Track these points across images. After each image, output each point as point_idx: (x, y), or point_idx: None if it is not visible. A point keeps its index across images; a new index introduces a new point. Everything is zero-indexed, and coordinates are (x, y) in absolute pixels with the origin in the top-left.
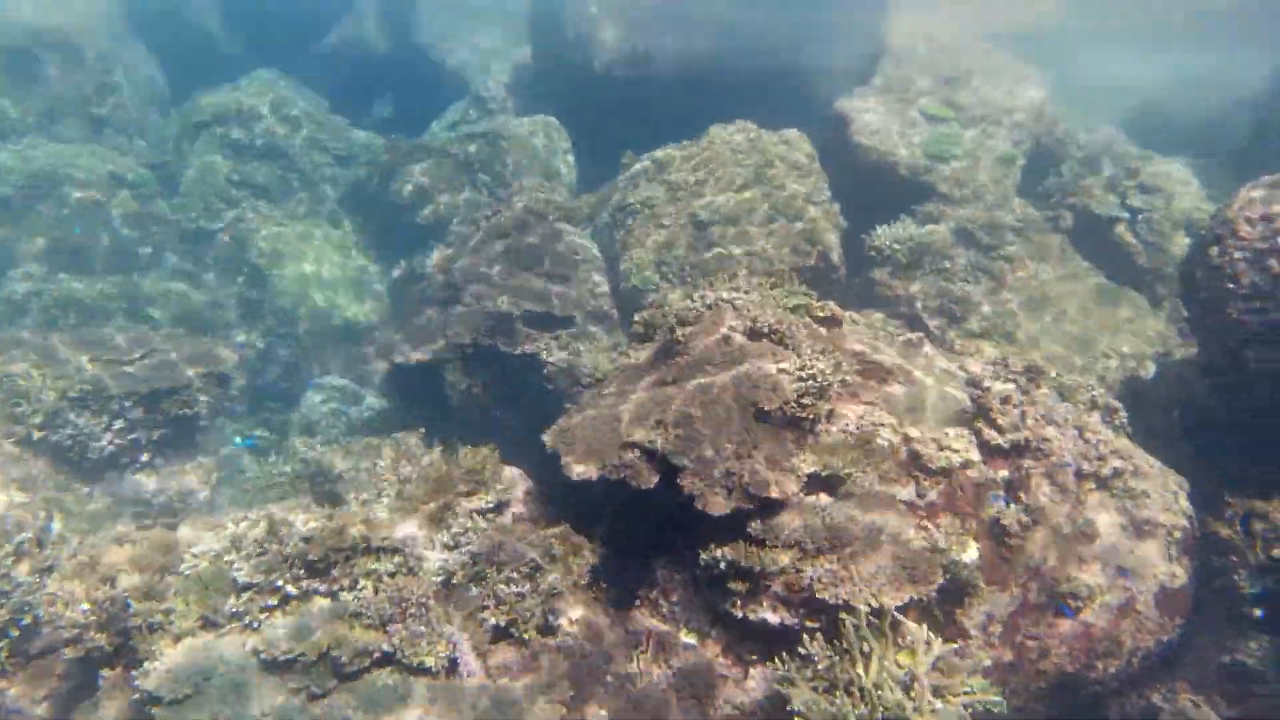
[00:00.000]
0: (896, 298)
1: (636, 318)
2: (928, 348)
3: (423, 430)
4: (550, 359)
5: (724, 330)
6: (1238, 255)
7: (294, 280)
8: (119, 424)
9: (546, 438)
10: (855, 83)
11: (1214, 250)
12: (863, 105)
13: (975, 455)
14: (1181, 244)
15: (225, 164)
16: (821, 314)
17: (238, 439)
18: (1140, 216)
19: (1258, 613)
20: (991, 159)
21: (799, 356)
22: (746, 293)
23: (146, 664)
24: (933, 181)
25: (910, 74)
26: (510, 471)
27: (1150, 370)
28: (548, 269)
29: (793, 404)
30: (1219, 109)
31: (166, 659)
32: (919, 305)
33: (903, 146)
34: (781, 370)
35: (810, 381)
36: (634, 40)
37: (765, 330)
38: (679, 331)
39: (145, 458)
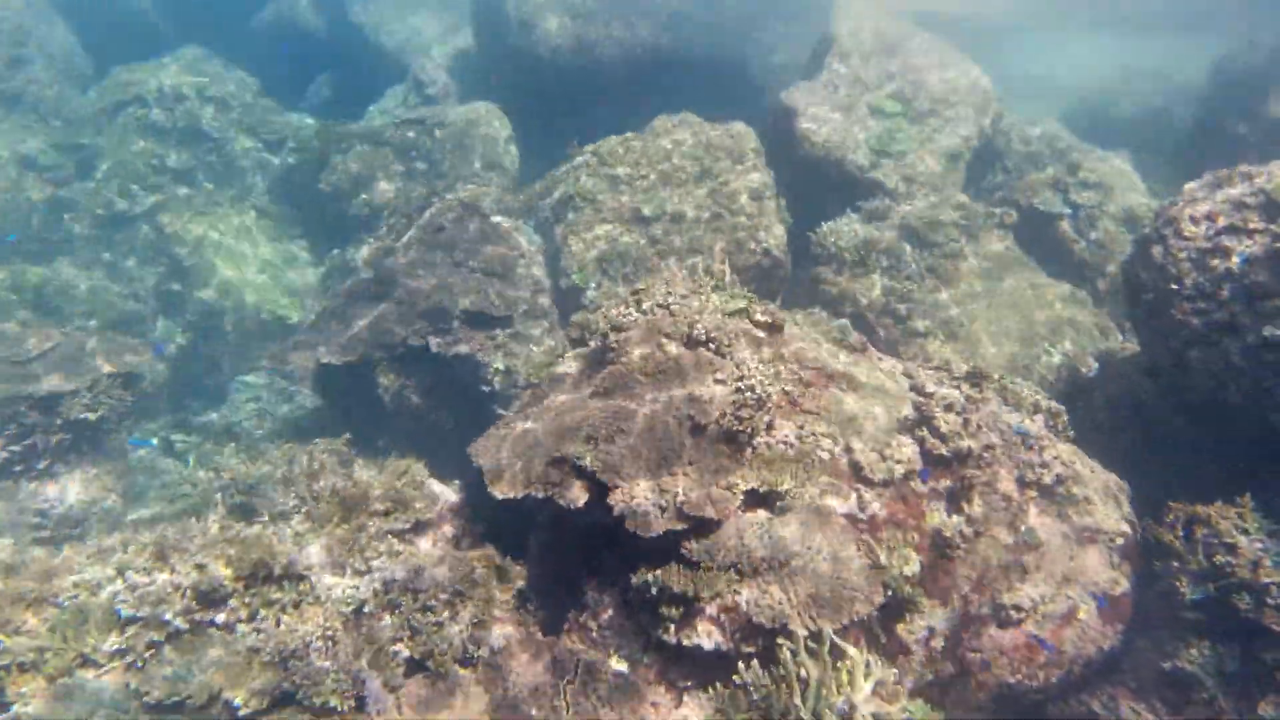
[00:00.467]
0: (841, 296)
1: (573, 320)
2: (872, 351)
3: (348, 436)
4: (487, 359)
5: (659, 339)
6: (1181, 255)
7: (218, 272)
8: (12, 429)
9: (473, 452)
10: (802, 75)
11: (1157, 250)
12: (809, 98)
13: (918, 465)
14: (1124, 240)
15: (145, 147)
16: (762, 318)
17: (135, 437)
18: (1082, 213)
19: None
20: (939, 154)
21: (736, 367)
22: (684, 297)
23: (15, 708)
24: (879, 177)
25: (857, 66)
26: (435, 488)
27: (1092, 367)
28: (484, 264)
29: (729, 417)
30: (1161, 103)
31: (37, 702)
32: (864, 303)
33: (849, 140)
34: (717, 381)
35: (748, 393)
36: (578, 28)
37: (702, 338)
38: (613, 338)
39: (43, 465)
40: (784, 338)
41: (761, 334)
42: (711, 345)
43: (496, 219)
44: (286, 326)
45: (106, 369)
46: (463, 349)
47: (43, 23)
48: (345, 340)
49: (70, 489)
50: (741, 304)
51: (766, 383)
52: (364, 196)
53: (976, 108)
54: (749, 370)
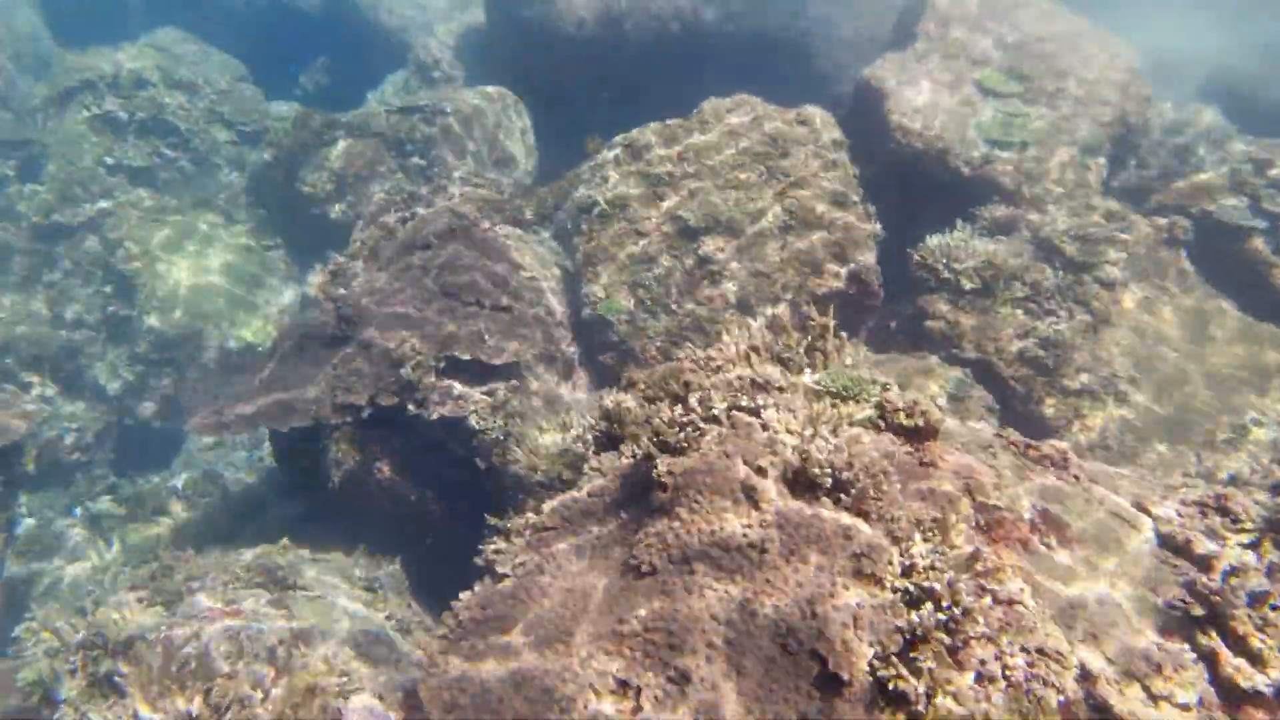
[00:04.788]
0: (958, 336)
1: (601, 407)
2: (1074, 460)
3: (284, 542)
4: (482, 424)
5: (742, 476)
6: None
7: (174, 291)
8: None
9: (428, 691)
10: (884, 49)
11: None
12: (900, 75)
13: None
14: None
15: (96, 141)
16: (907, 421)
17: (70, 504)
18: None
19: None
20: (1071, 146)
21: (899, 550)
22: (781, 390)
23: None
24: (996, 175)
25: (961, 36)
26: (358, 704)
27: None
28: (481, 293)
29: (894, 668)
30: None
31: None
32: (992, 348)
33: (956, 129)
34: (860, 578)
35: (927, 614)
36: None
37: (824, 481)
38: (662, 467)
39: None
40: (937, 450)
41: (907, 450)
42: (842, 492)
43: (502, 231)
44: (257, 356)
45: None
46: (448, 411)
47: None
48: (294, 398)
49: None
50: (871, 402)
51: (961, 592)
52: (347, 201)
53: (1118, 86)
54: (921, 560)
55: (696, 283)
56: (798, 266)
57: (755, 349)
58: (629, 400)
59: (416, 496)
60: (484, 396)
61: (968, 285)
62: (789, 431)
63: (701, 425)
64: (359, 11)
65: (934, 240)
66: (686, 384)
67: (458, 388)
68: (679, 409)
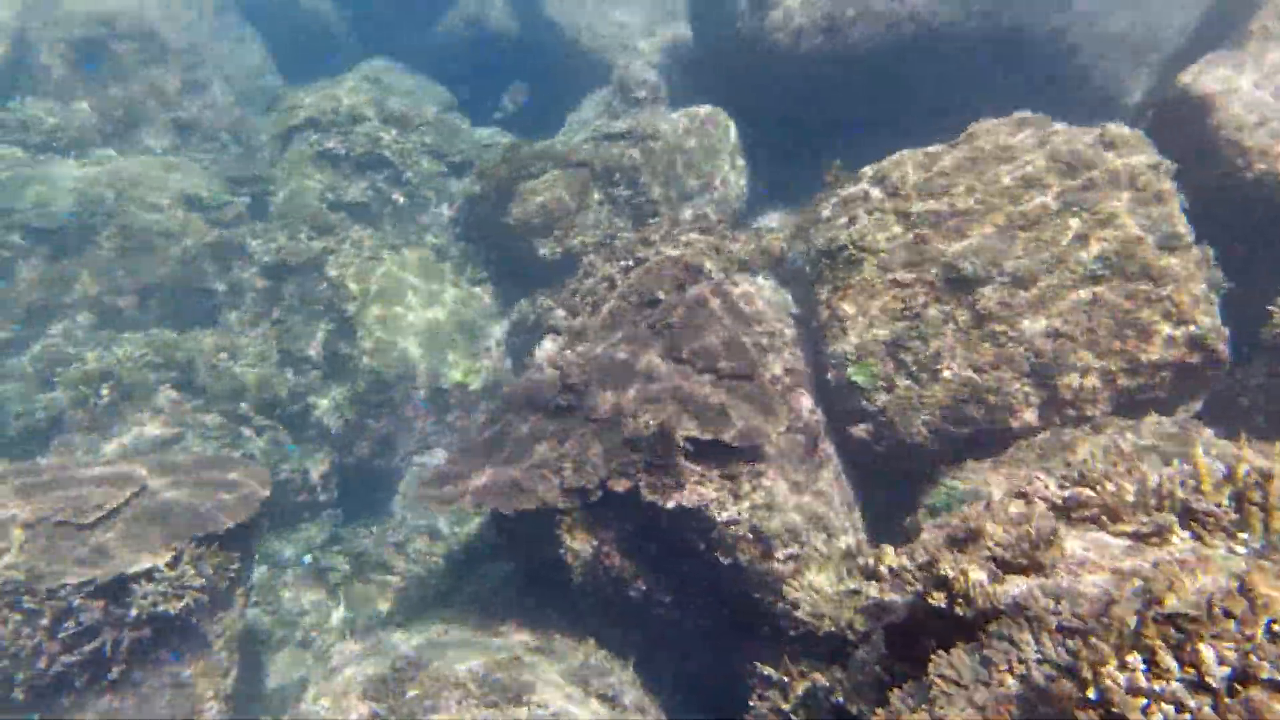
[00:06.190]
0: None
1: (928, 576)
2: None
3: (515, 656)
4: (724, 514)
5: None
6: None
7: (389, 330)
8: (69, 627)
9: None
10: (1183, 47)
11: None
12: (1230, 80)
13: None
14: None
15: (319, 179)
16: None
17: (305, 556)
18: None
19: None
20: None
21: None
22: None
23: None
24: None
25: None
26: None
27: None
28: (718, 360)
29: None
30: None
31: None
32: None
33: None
34: None
35: None
36: (827, 3)
37: None
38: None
39: (115, 674)
40: None
41: None
42: None
43: (738, 287)
44: (468, 395)
45: (202, 529)
46: (684, 499)
47: (223, 39)
48: (515, 477)
49: (155, 702)
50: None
51: None
52: (555, 236)
53: None
54: None
55: (974, 345)
56: (1112, 326)
57: (1150, 491)
58: (975, 570)
59: (647, 586)
60: (724, 480)
61: None
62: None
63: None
64: (558, 31)
65: None
66: (1072, 562)
67: (695, 471)
68: (1063, 609)
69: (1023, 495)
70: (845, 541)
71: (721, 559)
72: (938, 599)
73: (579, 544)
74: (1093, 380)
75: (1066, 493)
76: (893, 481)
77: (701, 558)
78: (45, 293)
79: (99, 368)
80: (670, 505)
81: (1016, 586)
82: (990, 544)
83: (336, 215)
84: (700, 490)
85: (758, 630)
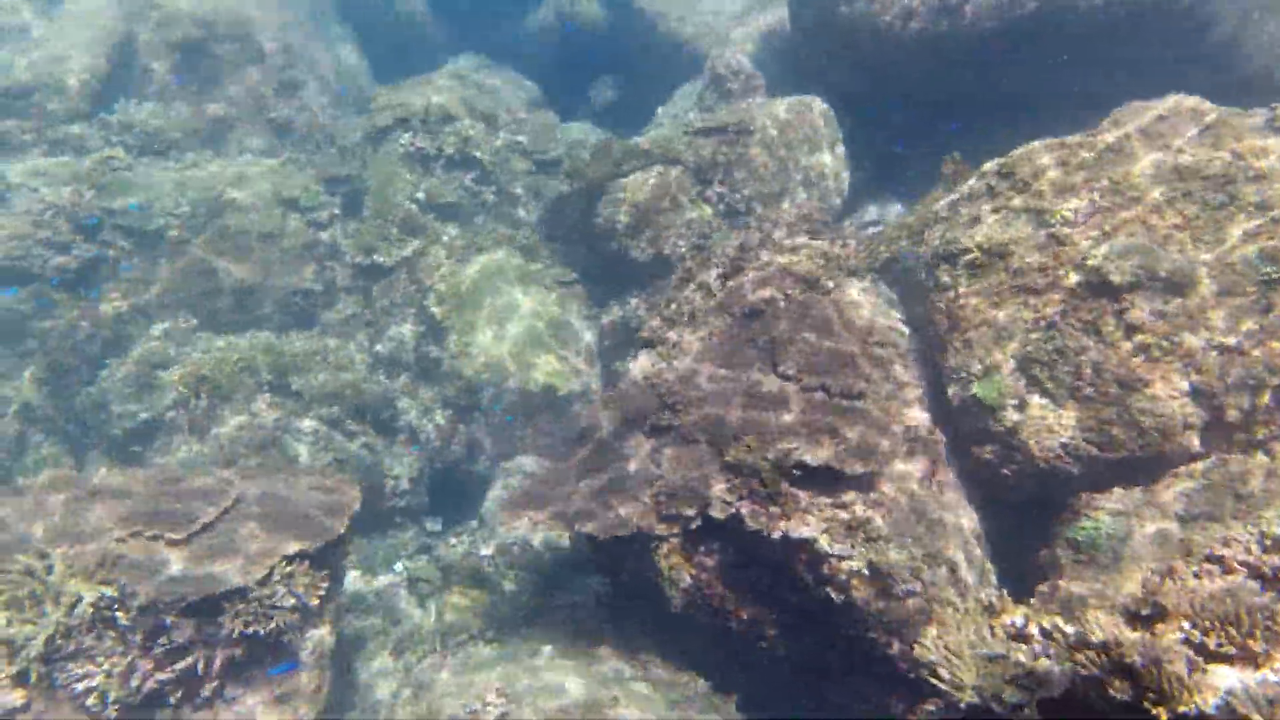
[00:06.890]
0: None
1: (1109, 661)
2: None
3: (614, 696)
4: (834, 548)
5: None
6: None
7: (479, 332)
8: (162, 644)
9: None
10: None
11: None
12: None
13: None
14: None
15: (409, 179)
16: None
17: (396, 563)
18: None
19: None
20: None
21: None
22: None
23: None
24: None
25: None
26: None
27: None
28: (828, 378)
29: None
30: None
31: None
32: None
33: None
34: None
35: None
36: None
37: None
38: None
39: (208, 691)
40: None
41: None
42: None
43: (848, 294)
44: (557, 399)
45: (298, 545)
46: (791, 529)
47: (316, 40)
48: (610, 500)
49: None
50: None
51: None
52: (648, 236)
53: None
54: None
55: (1123, 360)
56: None
57: None
58: (1174, 664)
59: (749, 617)
60: (835, 509)
61: None
62: None
63: None
64: (647, 21)
65: None
66: None
67: (803, 498)
68: None
69: (1218, 560)
70: (969, 577)
71: (834, 595)
72: (1120, 690)
73: (677, 571)
74: (1265, 400)
75: (1275, 559)
76: (1019, 505)
77: (810, 592)
78: (146, 294)
79: (198, 370)
80: (776, 535)
81: (1225, 681)
82: (1186, 627)
83: (426, 216)
84: (808, 519)
85: (871, 671)
